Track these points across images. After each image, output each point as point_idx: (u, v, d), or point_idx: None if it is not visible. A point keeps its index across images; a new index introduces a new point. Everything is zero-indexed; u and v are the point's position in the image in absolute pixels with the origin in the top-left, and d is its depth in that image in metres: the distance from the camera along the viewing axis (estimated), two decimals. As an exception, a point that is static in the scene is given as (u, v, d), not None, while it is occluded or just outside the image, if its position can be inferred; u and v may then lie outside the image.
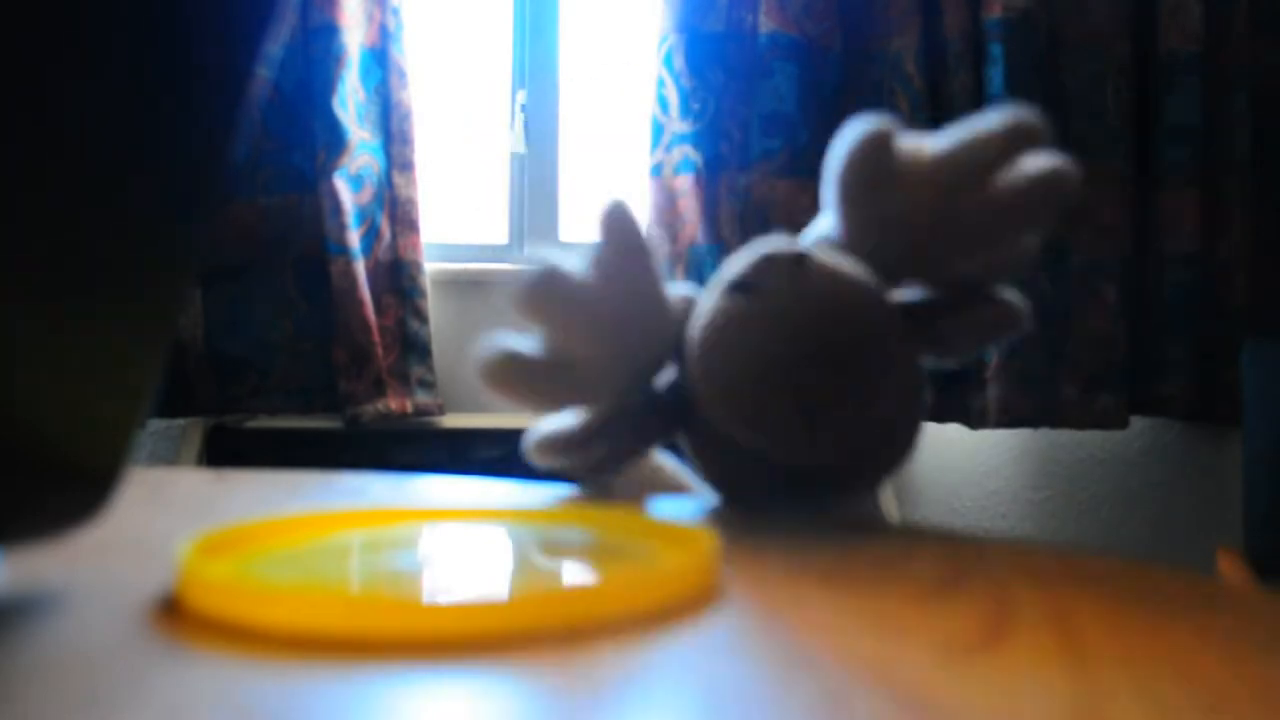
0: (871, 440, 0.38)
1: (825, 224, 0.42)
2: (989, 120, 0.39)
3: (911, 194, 0.38)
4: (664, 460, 0.46)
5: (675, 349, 0.41)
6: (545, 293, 0.38)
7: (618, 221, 0.38)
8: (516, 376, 0.38)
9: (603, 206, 0.39)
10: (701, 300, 0.39)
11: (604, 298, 0.38)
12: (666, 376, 0.42)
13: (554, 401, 0.40)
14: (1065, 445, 1.93)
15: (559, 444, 0.41)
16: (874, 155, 0.38)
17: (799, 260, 0.36)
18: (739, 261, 0.38)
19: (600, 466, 0.41)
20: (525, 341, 0.39)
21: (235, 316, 1.72)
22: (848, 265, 0.37)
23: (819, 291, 0.36)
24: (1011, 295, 0.40)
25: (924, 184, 0.38)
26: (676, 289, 0.43)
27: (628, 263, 0.38)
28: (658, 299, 0.39)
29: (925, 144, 0.39)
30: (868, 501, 0.43)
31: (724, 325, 0.36)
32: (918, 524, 1.87)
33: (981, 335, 0.39)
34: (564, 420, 0.41)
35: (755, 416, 0.36)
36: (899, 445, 0.39)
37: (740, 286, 0.36)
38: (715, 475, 0.41)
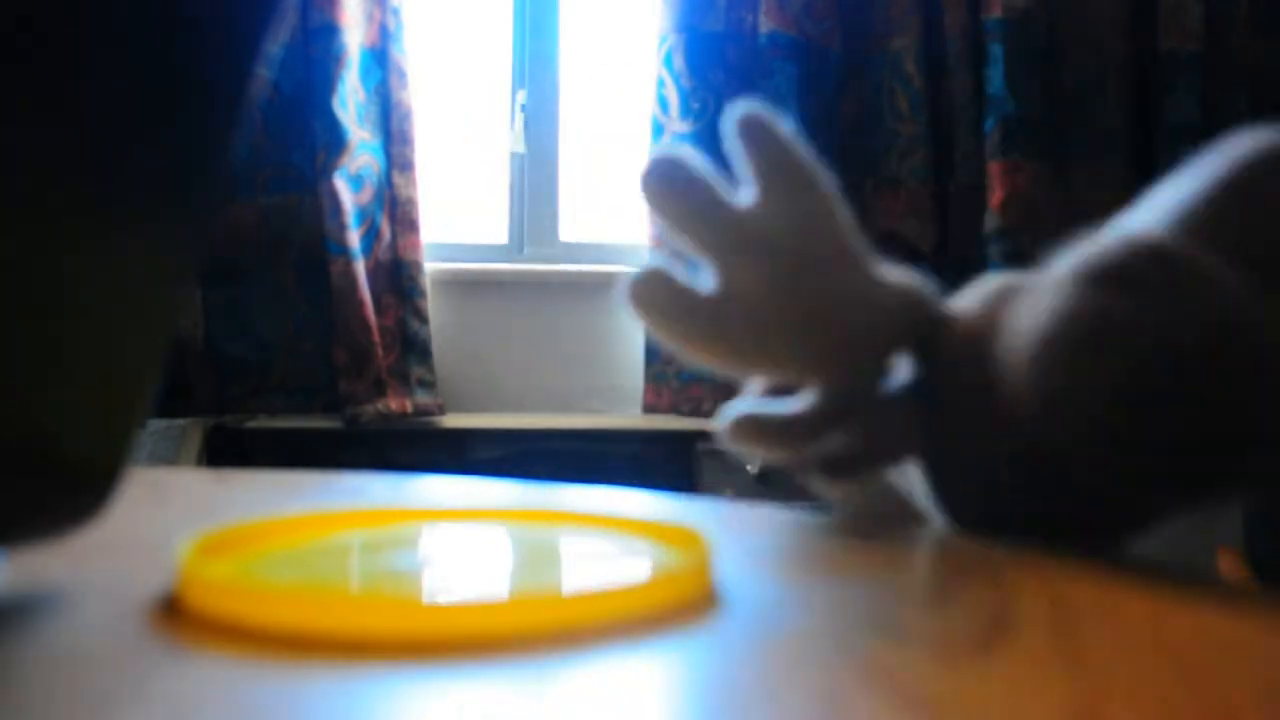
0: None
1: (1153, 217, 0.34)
2: None
3: None
4: (895, 480, 0.39)
5: (912, 342, 0.35)
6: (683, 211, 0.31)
7: (764, 133, 0.32)
8: (675, 305, 0.31)
9: (741, 116, 0.33)
10: (1040, 299, 0.31)
11: (764, 218, 0.31)
12: (900, 378, 0.35)
13: (731, 353, 0.33)
14: (1065, 445, 1.92)
15: (773, 428, 0.33)
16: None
17: (1185, 255, 0.28)
18: (1093, 251, 0.30)
19: (830, 468, 0.35)
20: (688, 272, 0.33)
21: (235, 316, 1.72)
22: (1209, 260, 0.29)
23: (1224, 300, 0.28)
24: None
25: None
26: (893, 271, 0.36)
27: (786, 179, 0.32)
28: (842, 237, 0.33)
29: None
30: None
31: (1104, 329, 0.28)
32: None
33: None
34: (783, 402, 0.34)
35: (1159, 444, 0.28)
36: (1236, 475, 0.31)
37: (1122, 281, 0.28)
38: (968, 505, 0.35)
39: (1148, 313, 0.28)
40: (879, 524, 0.38)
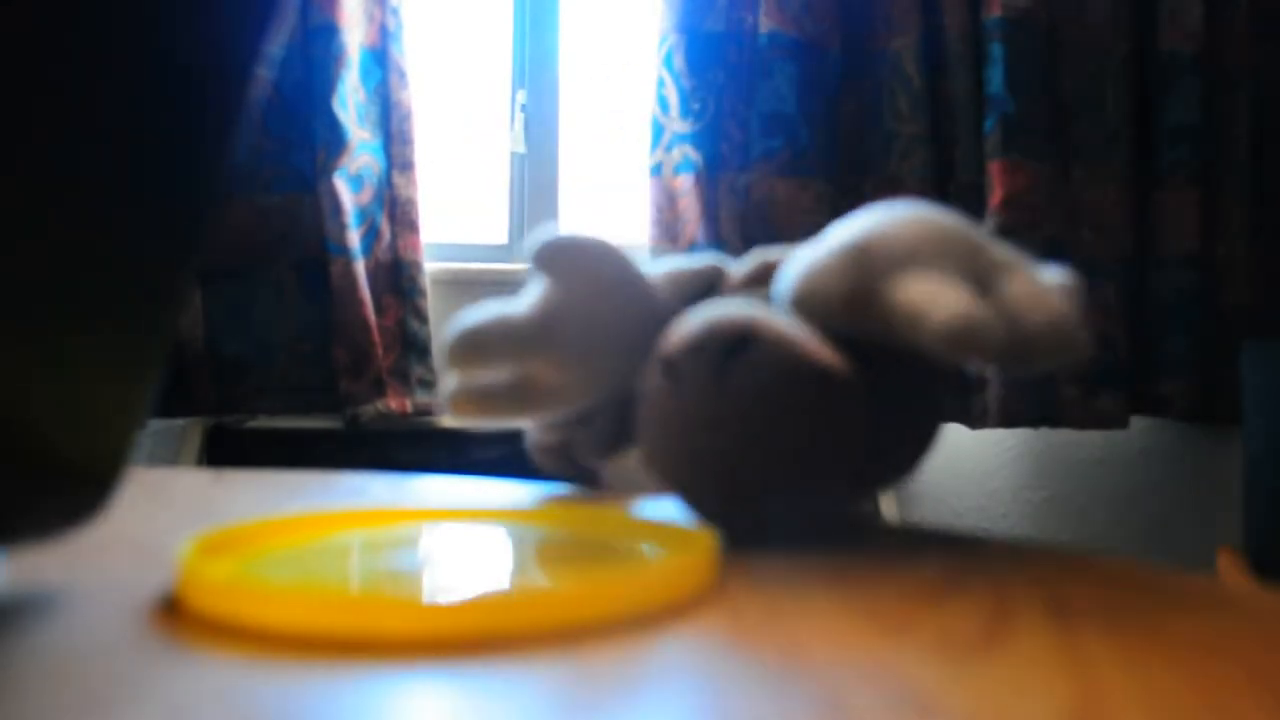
0: (839, 474, 0.35)
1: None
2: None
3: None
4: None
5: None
6: (480, 342, 0.37)
7: (557, 255, 0.37)
8: (488, 403, 0.37)
9: (537, 247, 0.37)
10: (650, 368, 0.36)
11: (555, 330, 0.36)
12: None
13: (537, 413, 0.39)
14: (1065, 445, 1.93)
15: (543, 425, 0.39)
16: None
17: (737, 347, 0.32)
18: (681, 327, 0.34)
19: (586, 456, 0.40)
20: (491, 372, 0.38)
21: (235, 316, 1.72)
22: (797, 341, 0.33)
23: (742, 389, 0.32)
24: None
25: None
26: (684, 263, 0.40)
27: (576, 292, 0.37)
28: (627, 309, 0.38)
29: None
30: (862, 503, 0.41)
31: (655, 413, 0.34)
32: (918, 524, 1.87)
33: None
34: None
35: (690, 500, 0.34)
36: (893, 463, 0.36)
37: (668, 371, 0.34)
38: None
39: (677, 403, 0.33)
40: (639, 490, 0.43)
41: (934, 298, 0.31)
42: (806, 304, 0.33)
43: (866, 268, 0.33)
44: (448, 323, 1.71)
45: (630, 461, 0.43)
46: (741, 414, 0.32)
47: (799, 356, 0.33)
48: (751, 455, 0.33)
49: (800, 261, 0.35)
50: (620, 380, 0.38)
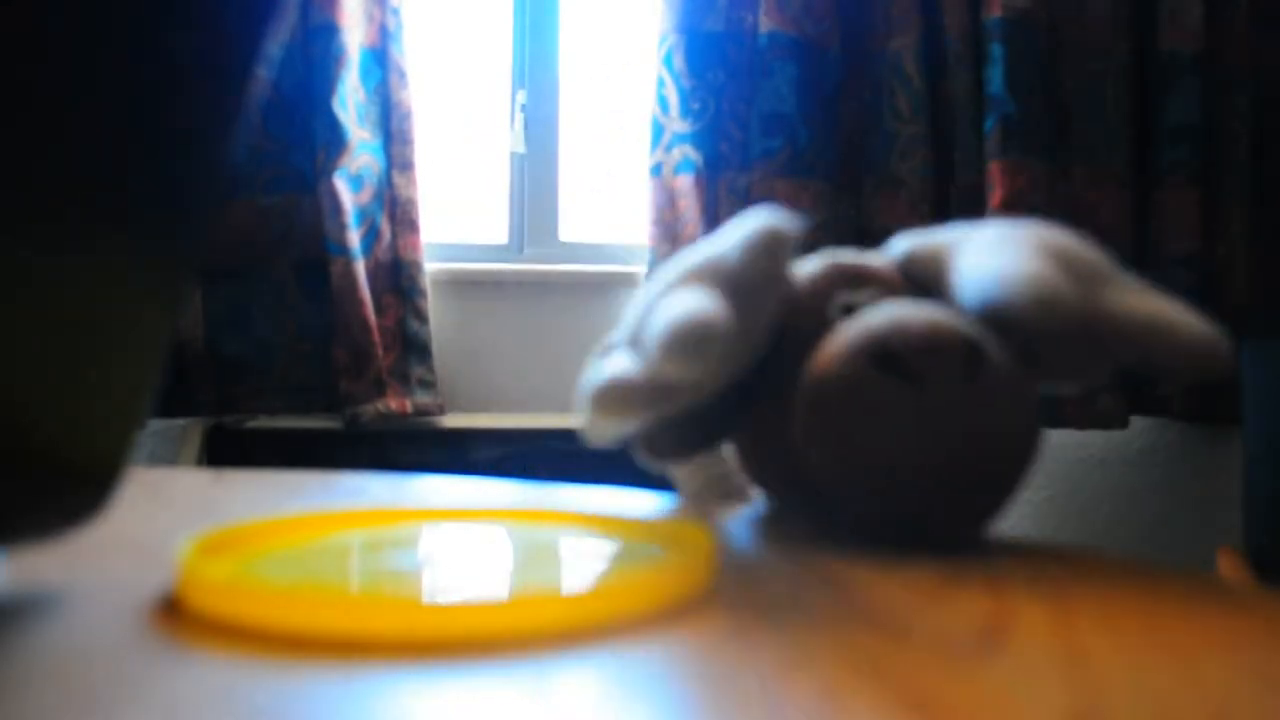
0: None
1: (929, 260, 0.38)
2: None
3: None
4: (731, 463, 0.43)
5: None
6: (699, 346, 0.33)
7: (767, 249, 0.35)
8: (628, 405, 0.34)
9: (757, 229, 0.35)
10: (830, 346, 0.34)
11: (742, 331, 0.34)
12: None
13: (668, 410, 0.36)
14: (1065, 445, 1.93)
15: (638, 393, 0.35)
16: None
17: (972, 353, 0.32)
18: (885, 320, 0.33)
19: (660, 452, 0.38)
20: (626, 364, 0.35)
21: (235, 316, 1.72)
22: (1005, 354, 0.33)
23: (990, 394, 0.32)
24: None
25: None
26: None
27: (768, 294, 0.35)
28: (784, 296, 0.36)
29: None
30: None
31: (874, 406, 0.32)
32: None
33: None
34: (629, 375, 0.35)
35: (889, 509, 0.32)
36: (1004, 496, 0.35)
37: (898, 366, 0.32)
38: (773, 484, 0.39)
39: (925, 405, 0.31)
40: (714, 502, 0.42)
41: (1174, 315, 0.33)
42: (1046, 311, 0.32)
43: (1079, 278, 0.33)
44: (447, 323, 1.69)
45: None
46: (988, 423, 0.32)
47: (1019, 374, 0.32)
48: (983, 462, 0.32)
49: (985, 272, 0.34)
50: (725, 379, 0.36)
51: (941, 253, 0.37)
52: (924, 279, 0.38)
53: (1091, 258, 0.35)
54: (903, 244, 0.39)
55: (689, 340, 0.31)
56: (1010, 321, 0.32)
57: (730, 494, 0.44)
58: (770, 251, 0.35)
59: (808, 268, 0.39)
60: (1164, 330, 0.33)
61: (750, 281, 0.35)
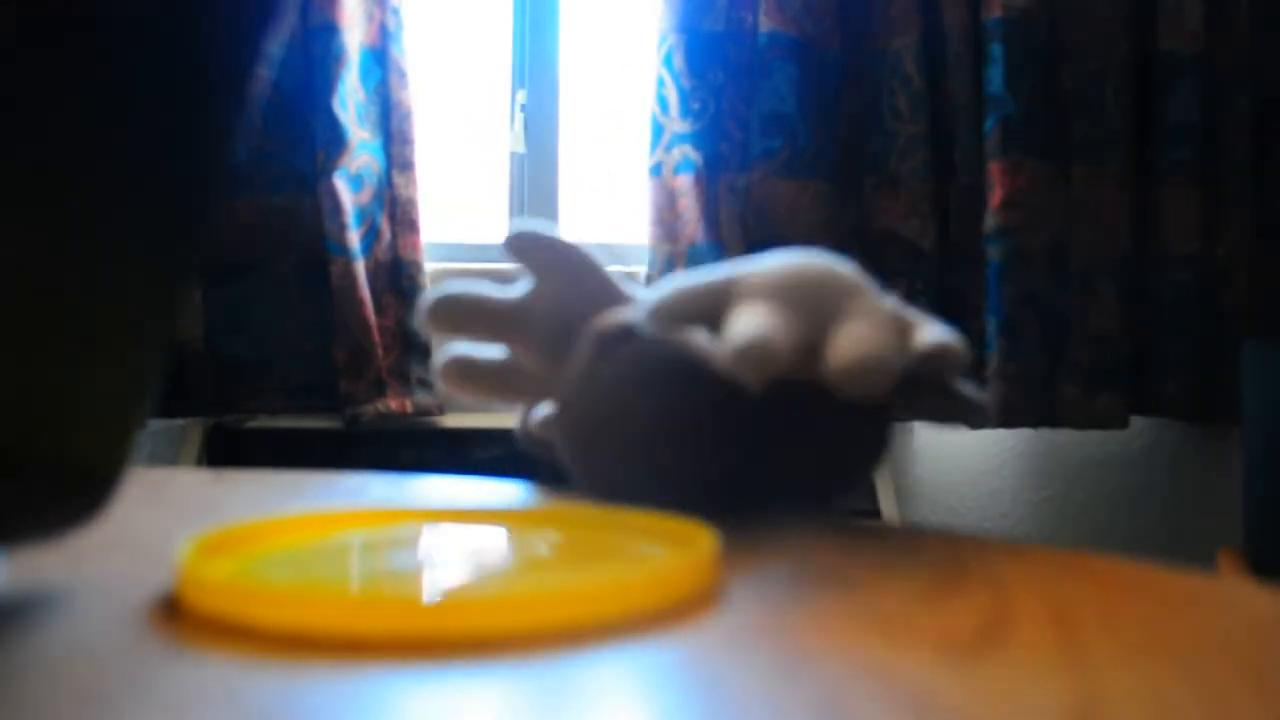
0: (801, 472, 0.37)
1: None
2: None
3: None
4: None
5: None
6: (454, 308, 0.39)
7: (526, 244, 0.39)
8: (474, 379, 0.40)
9: (509, 236, 0.40)
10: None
11: (528, 315, 0.39)
12: None
13: (519, 399, 0.41)
14: (1065, 445, 1.93)
15: (483, 371, 0.43)
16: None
17: (617, 341, 0.36)
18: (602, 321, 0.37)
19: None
20: (482, 350, 0.40)
21: (235, 316, 1.72)
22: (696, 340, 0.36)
23: (597, 381, 0.36)
24: (968, 391, 0.37)
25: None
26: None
27: (550, 279, 0.39)
28: (599, 301, 0.40)
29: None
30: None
31: (583, 384, 0.37)
32: (918, 524, 1.87)
33: (934, 419, 0.39)
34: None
35: (624, 497, 0.36)
36: (844, 471, 0.38)
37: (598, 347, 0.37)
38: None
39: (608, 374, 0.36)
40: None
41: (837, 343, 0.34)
42: (750, 373, 0.33)
43: (814, 315, 0.35)
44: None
45: None
46: (590, 400, 0.36)
47: (670, 351, 0.36)
48: (673, 441, 0.35)
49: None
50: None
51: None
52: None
53: (830, 290, 0.36)
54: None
55: (436, 308, 0.39)
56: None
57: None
58: (530, 258, 0.41)
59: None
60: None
61: (530, 288, 0.41)
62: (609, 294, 0.41)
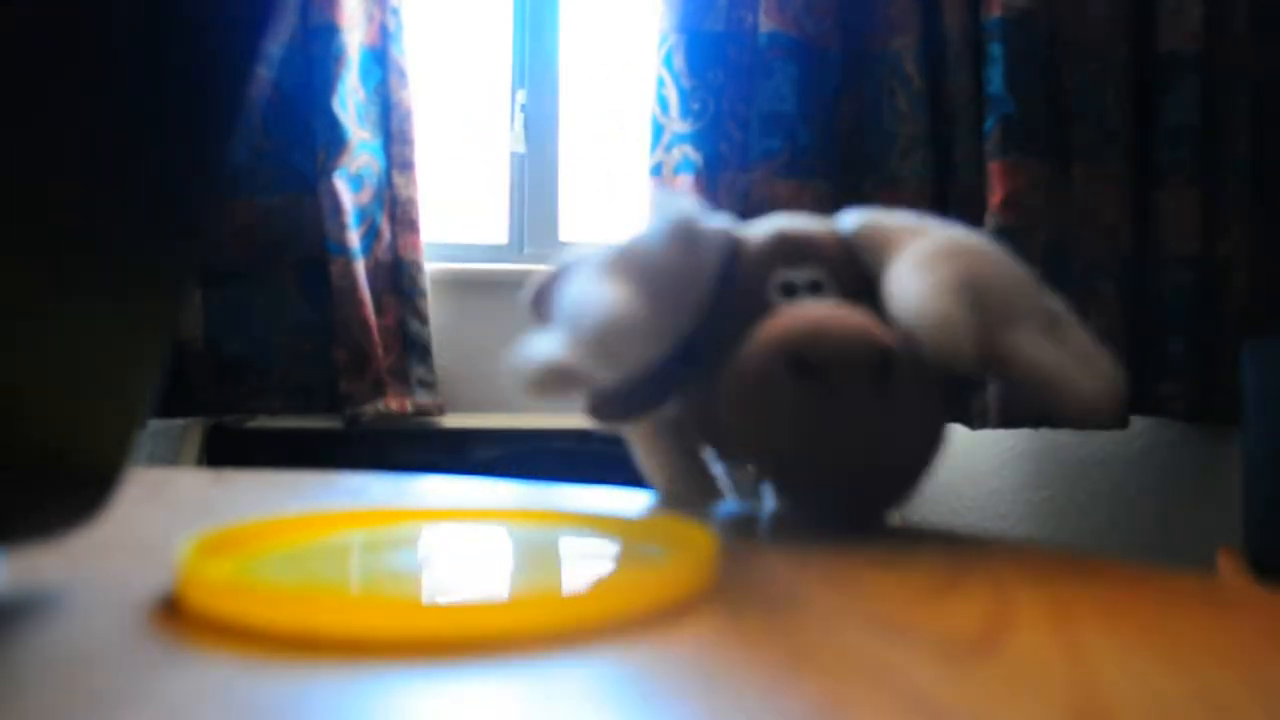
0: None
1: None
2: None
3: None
4: (705, 459, 0.46)
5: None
6: (614, 338, 0.35)
7: (683, 241, 0.37)
8: (563, 384, 0.36)
9: (671, 220, 0.37)
10: (754, 343, 0.36)
11: (665, 299, 0.36)
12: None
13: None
14: (1065, 445, 1.93)
15: (560, 377, 0.36)
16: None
17: (884, 364, 0.34)
18: (804, 323, 0.35)
19: (606, 416, 0.40)
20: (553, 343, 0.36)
21: (235, 316, 1.72)
22: (917, 360, 0.35)
23: (899, 401, 0.34)
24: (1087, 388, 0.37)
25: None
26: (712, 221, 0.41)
27: (688, 284, 0.37)
28: (705, 281, 0.38)
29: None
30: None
31: (788, 408, 0.34)
32: (918, 524, 1.87)
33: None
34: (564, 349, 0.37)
35: (803, 498, 0.35)
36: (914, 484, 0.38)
37: (812, 373, 0.34)
38: (712, 441, 0.41)
39: (833, 411, 0.34)
40: (690, 498, 0.44)
41: (1069, 371, 0.36)
42: (945, 356, 0.34)
43: (984, 315, 0.35)
44: (447, 323, 1.69)
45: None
46: (898, 429, 0.34)
47: (931, 379, 0.35)
48: (895, 466, 0.35)
49: (906, 292, 0.36)
50: (672, 338, 0.38)
51: (888, 242, 0.39)
52: (867, 261, 0.39)
53: (1009, 289, 0.37)
54: (854, 218, 0.41)
55: (607, 342, 0.34)
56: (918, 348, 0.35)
57: (705, 491, 0.45)
58: (686, 243, 0.37)
59: (757, 233, 0.40)
60: (1057, 388, 0.35)
61: (668, 274, 0.37)
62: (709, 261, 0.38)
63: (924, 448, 0.36)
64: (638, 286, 0.36)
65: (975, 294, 0.36)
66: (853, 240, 0.40)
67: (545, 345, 0.36)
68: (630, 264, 0.37)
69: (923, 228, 0.39)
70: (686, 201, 0.39)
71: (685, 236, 0.37)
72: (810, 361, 0.34)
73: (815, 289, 0.39)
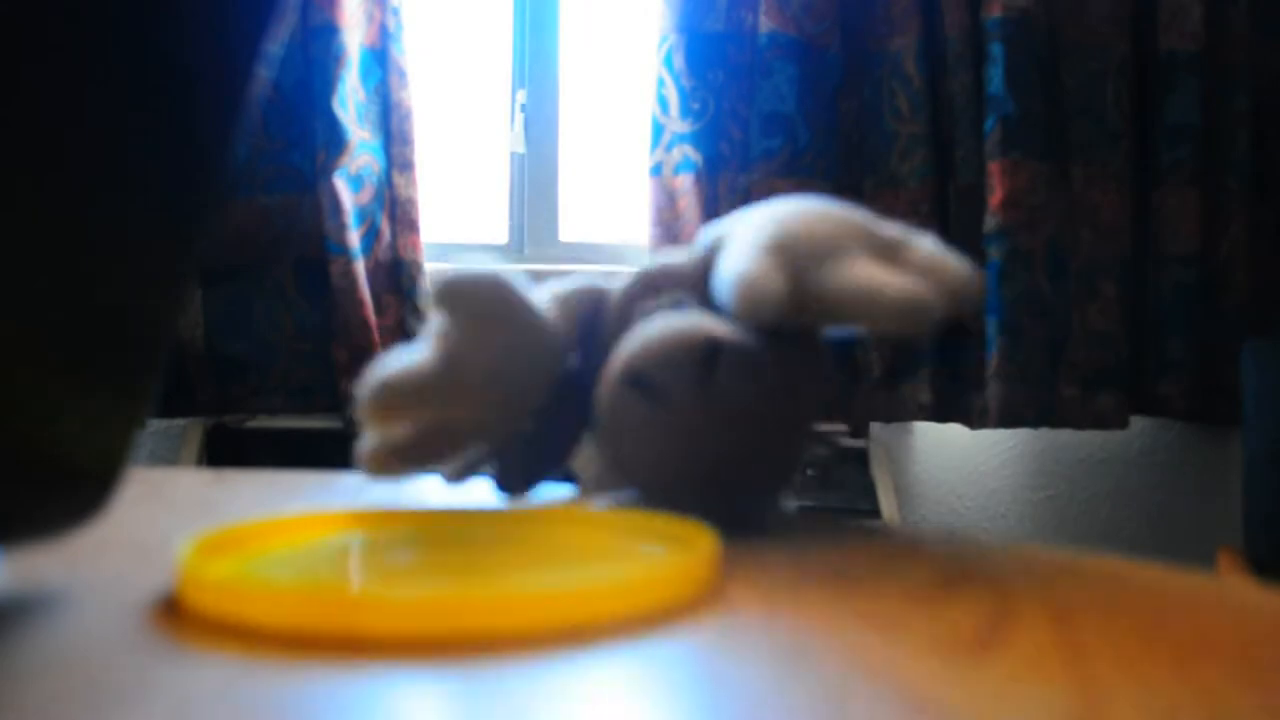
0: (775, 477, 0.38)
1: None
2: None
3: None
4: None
5: (580, 340, 0.40)
6: (393, 395, 0.36)
7: (453, 295, 0.37)
8: (405, 458, 0.37)
9: (435, 288, 0.38)
10: (605, 375, 0.36)
11: (461, 373, 0.36)
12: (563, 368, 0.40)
13: (452, 455, 0.39)
14: (1065, 445, 1.93)
15: (407, 391, 0.37)
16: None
17: (710, 357, 0.34)
18: (637, 342, 0.36)
19: (511, 485, 0.40)
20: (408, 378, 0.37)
21: (235, 316, 1.72)
22: (748, 342, 0.35)
23: (729, 396, 0.34)
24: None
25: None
26: (570, 286, 0.42)
27: (479, 330, 0.37)
28: (528, 344, 0.38)
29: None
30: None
31: (629, 425, 0.35)
32: (918, 524, 1.87)
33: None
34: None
35: (678, 507, 0.35)
36: (792, 466, 0.38)
37: (640, 384, 0.35)
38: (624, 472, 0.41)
39: (661, 417, 0.34)
40: (611, 487, 0.44)
41: (878, 281, 0.35)
42: (751, 310, 0.34)
43: (796, 264, 0.35)
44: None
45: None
46: (729, 422, 0.34)
47: (766, 363, 0.35)
48: (737, 458, 0.35)
49: (723, 268, 0.36)
50: (525, 413, 0.39)
51: (725, 240, 0.39)
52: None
53: (828, 233, 0.36)
54: (708, 233, 0.42)
55: (374, 402, 0.35)
56: (737, 320, 0.35)
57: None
58: (462, 308, 0.37)
59: (622, 281, 0.42)
60: (867, 298, 0.35)
61: (457, 341, 0.37)
62: (543, 327, 0.39)
63: (777, 429, 0.35)
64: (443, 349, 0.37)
65: (783, 249, 0.36)
66: (708, 255, 0.40)
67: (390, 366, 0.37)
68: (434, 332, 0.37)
69: (739, 222, 0.40)
70: (452, 277, 0.38)
71: (458, 307, 0.37)
72: (641, 371, 0.35)
73: (677, 308, 0.39)
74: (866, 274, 0.35)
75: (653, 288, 0.40)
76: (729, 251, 0.37)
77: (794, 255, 0.35)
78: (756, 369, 0.35)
